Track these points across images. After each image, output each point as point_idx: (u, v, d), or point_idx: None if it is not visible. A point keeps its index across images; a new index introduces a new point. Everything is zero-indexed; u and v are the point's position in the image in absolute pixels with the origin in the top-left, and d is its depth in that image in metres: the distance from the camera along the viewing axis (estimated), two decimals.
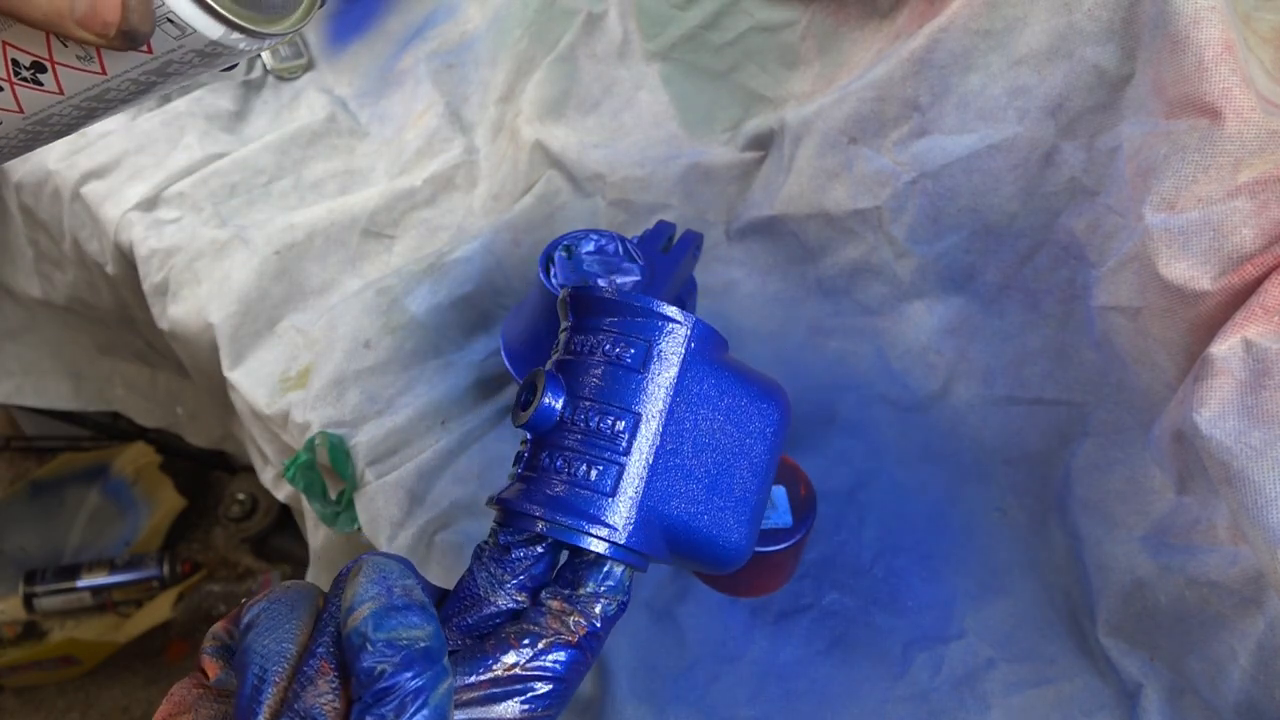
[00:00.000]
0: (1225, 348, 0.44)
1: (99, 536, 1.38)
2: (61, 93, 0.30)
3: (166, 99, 0.85)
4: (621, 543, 0.33)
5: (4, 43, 0.29)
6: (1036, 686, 0.52)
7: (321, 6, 0.32)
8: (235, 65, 0.31)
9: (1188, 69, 0.48)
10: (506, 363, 0.61)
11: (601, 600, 0.33)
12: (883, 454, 0.63)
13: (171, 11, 0.27)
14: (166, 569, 1.33)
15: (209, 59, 0.30)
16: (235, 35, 0.29)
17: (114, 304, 0.89)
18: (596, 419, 0.35)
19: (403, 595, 0.29)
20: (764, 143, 0.72)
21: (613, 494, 0.34)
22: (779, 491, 0.55)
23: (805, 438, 0.63)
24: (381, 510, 0.60)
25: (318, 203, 0.79)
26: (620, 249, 0.58)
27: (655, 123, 0.77)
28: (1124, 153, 0.53)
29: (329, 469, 0.63)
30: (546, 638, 0.31)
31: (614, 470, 0.34)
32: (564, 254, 0.58)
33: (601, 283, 0.56)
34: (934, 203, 0.62)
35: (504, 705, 0.30)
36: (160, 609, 1.31)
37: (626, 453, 0.34)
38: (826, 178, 0.66)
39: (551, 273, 0.57)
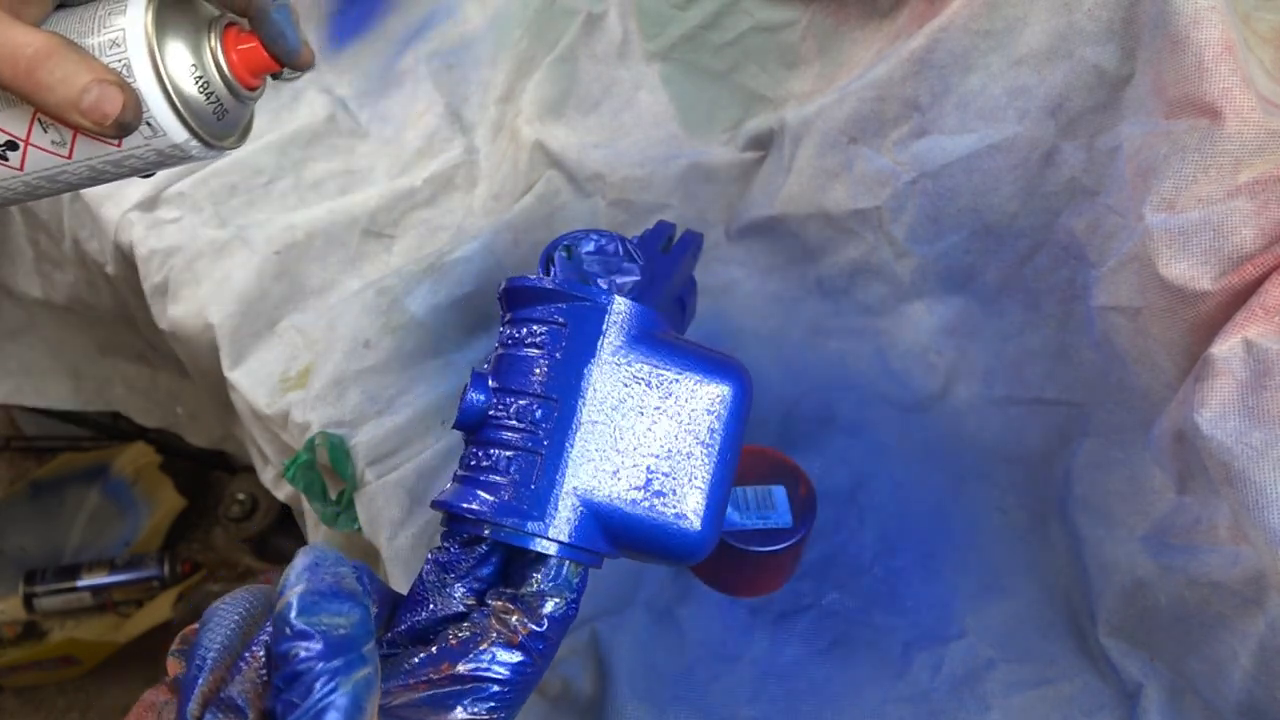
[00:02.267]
0: (1226, 348, 0.44)
1: (99, 536, 1.38)
2: (21, 169, 0.36)
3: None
4: (546, 534, 0.32)
5: None
6: (1036, 687, 0.52)
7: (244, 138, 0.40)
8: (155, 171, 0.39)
9: (1188, 69, 0.48)
10: None
11: (547, 599, 0.32)
12: (883, 454, 0.63)
13: (152, 115, 0.35)
14: (166, 569, 1.32)
15: (162, 159, 0.37)
16: (194, 143, 0.36)
17: (114, 304, 0.89)
18: (515, 409, 0.34)
19: (331, 581, 0.28)
20: (764, 143, 0.72)
21: (533, 482, 0.33)
22: (779, 491, 0.55)
23: (805, 438, 0.63)
24: (381, 510, 0.60)
25: (318, 203, 0.79)
26: (620, 249, 0.58)
27: (655, 123, 0.77)
28: (1124, 153, 0.53)
29: (329, 469, 0.63)
30: (486, 639, 0.30)
31: (533, 459, 0.33)
32: (564, 254, 0.58)
33: (602, 283, 0.56)
34: (934, 203, 0.62)
35: (442, 709, 0.28)
36: (160, 609, 1.31)
37: (545, 438, 0.33)
38: (826, 178, 0.66)
39: (552, 273, 0.57)
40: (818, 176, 0.66)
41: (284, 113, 0.87)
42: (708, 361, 0.35)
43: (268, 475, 0.74)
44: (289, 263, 0.73)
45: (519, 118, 0.79)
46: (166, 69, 0.35)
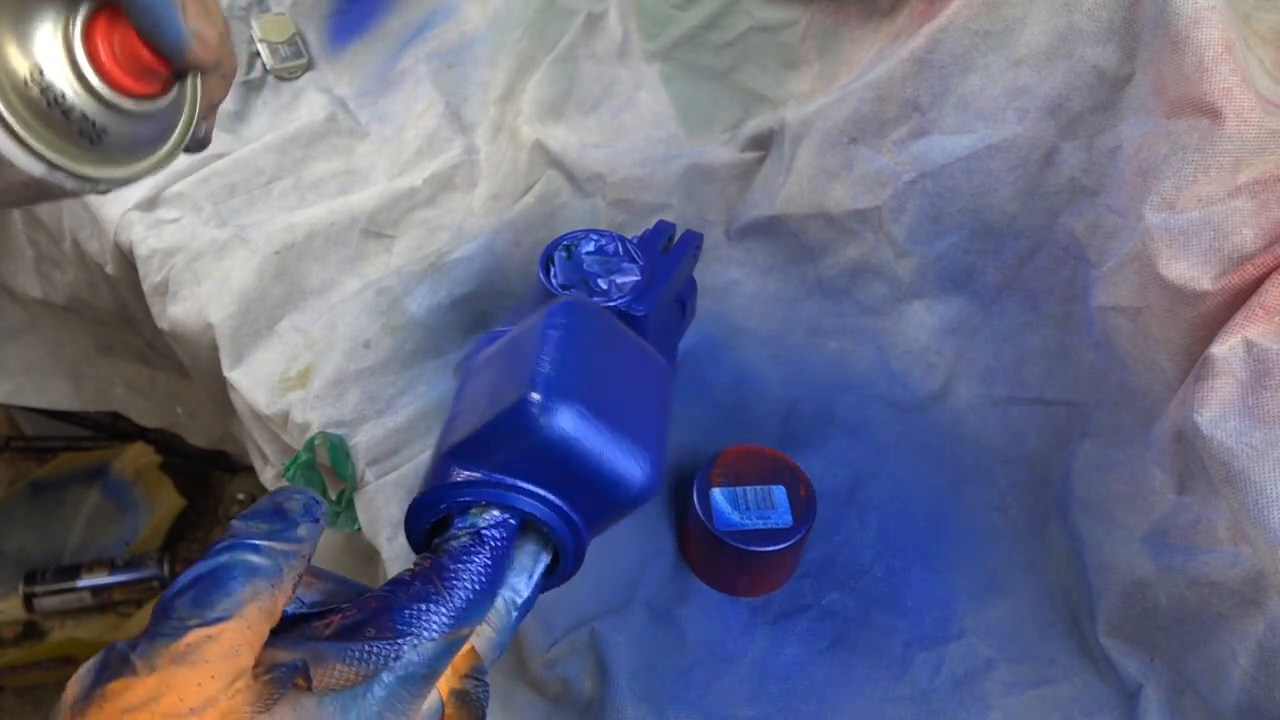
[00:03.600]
0: (1226, 348, 0.44)
1: (99, 536, 1.38)
2: None
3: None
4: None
5: None
6: (1036, 687, 0.52)
7: (190, 151, 0.31)
8: (107, 188, 0.30)
9: (1188, 69, 0.48)
10: None
11: (450, 540, 0.33)
12: (883, 454, 0.63)
13: None
14: (166, 569, 1.33)
15: (38, 193, 0.29)
16: (60, 175, 0.28)
17: (114, 304, 0.89)
18: None
19: (270, 505, 0.29)
20: (764, 143, 0.72)
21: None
22: (779, 491, 0.55)
23: (805, 438, 0.63)
24: (381, 510, 0.60)
25: (318, 203, 0.79)
26: (620, 249, 0.58)
27: (655, 123, 0.77)
28: (1124, 153, 0.53)
29: (329, 469, 0.63)
30: (397, 579, 0.31)
31: None
32: (564, 254, 0.58)
33: (601, 283, 0.57)
34: (934, 203, 0.62)
35: (351, 637, 0.29)
36: None
37: None
38: (826, 178, 0.66)
39: (551, 273, 0.57)
40: (818, 176, 0.66)
41: (284, 113, 0.87)
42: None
43: (268, 475, 0.74)
44: (289, 263, 0.73)
45: (519, 118, 0.79)
46: None
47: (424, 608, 0.29)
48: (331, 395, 0.65)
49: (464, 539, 0.33)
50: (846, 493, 0.60)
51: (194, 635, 0.25)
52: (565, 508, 0.34)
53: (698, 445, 0.61)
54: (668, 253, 0.59)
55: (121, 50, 0.27)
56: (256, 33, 0.89)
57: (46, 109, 0.27)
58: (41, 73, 0.26)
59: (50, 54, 0.27)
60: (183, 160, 0.81)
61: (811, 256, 0.70)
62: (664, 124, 0.77)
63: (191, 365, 0.79)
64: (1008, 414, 0.62)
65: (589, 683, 0.52)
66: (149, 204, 0.78)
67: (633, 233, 0.63)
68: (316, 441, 0.62)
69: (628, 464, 0.34)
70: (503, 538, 0.33)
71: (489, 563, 0.32)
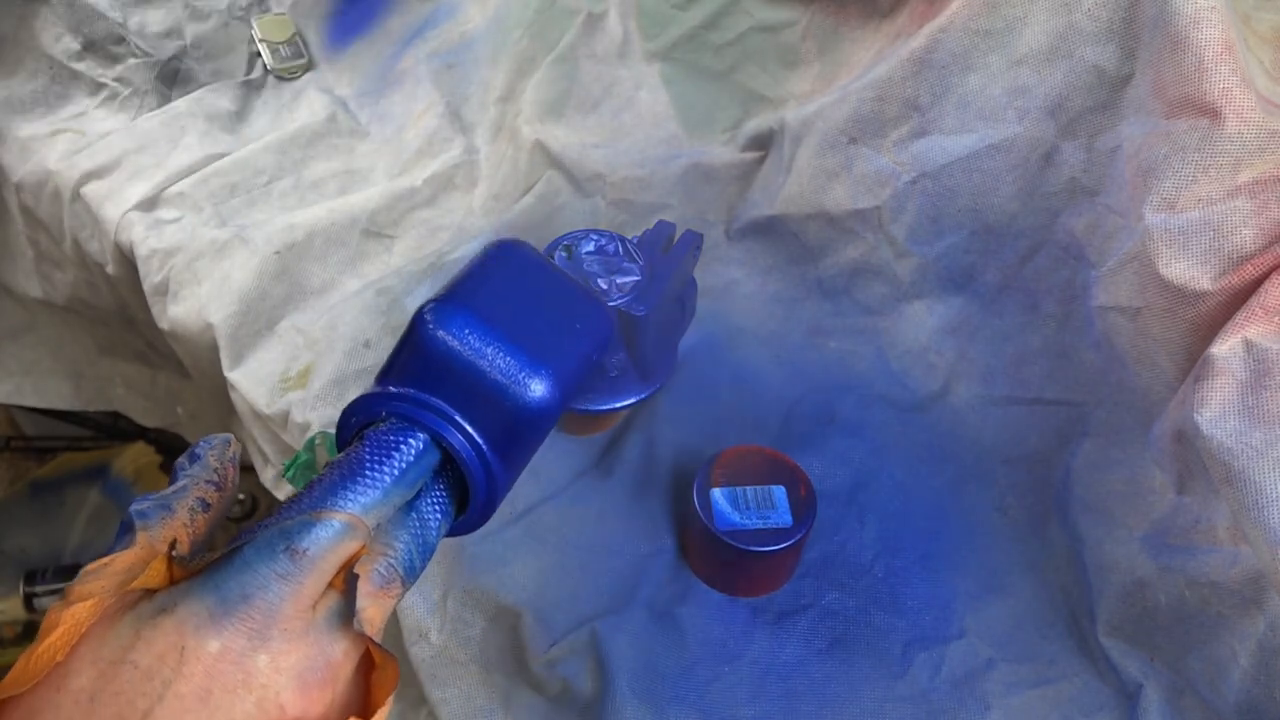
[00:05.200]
0: (1226, 348, 0.44)
1: (99, 536, 1.38)
2: None
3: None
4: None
5: None
6: (1036, 686, 0.52)
7: None
8: None
9: (1188, 69, 0.48)
10: None
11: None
12: (883, 454, 0.63)
13: None
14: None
15: None
16: None
17: (114, 304, 0.89)
18: None
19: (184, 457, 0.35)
20: (764, 143, 0.72)
21: None
22: (779, 491, 0.55)
23: (805, 438, 0.63)
24: None
25: (318, 203, 0.79)
26: (620, 249, 0.58)
27: (655, 123, 0.77)
28: (1124, 153, 0.54)
29: None
30: None
31: None
32: (564, 254, 0.58)
33: (601, 283, 0.57)
34: (934, 203, 0.62)
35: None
36: None
37: None
38: (826, 178, 0.66)
39: None
40: (818, 176, 0.66)
41: (284, 113, 0.87)
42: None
43: (268, 475, 0.74)
44: (289, 263, 0.73)
45: (519, 118, 0.79)
46: None
47: (297, 496, 0.32)
48: (331, 395, 0.65)
49: (354, 444, 0.34)
50: (846, 493, 0.60)
51: (93, 565, 0.31)
52: (457, 416, 0.35)
53: (698, 445, 0.61)
54: (668, 253, 0.59)
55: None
56: (257, 33, 0.89)
57: None
58: None
59: None
60: (183, 160, 0.82)
61: (811, 256, 0.70)
62: (664, 124, 0.77)
63: (192, 365, 0.79)
64: (1008, 414, 0.62)
65: (589, 683, 0.52)
66: (149, 204, 0.78)
67: (633, 233, 0.63)
68: (316, 441, 0.62)
69: (521, 371, 0.35)
70: (387, 436, 0.34)
71: (367, 455, 0.33)
